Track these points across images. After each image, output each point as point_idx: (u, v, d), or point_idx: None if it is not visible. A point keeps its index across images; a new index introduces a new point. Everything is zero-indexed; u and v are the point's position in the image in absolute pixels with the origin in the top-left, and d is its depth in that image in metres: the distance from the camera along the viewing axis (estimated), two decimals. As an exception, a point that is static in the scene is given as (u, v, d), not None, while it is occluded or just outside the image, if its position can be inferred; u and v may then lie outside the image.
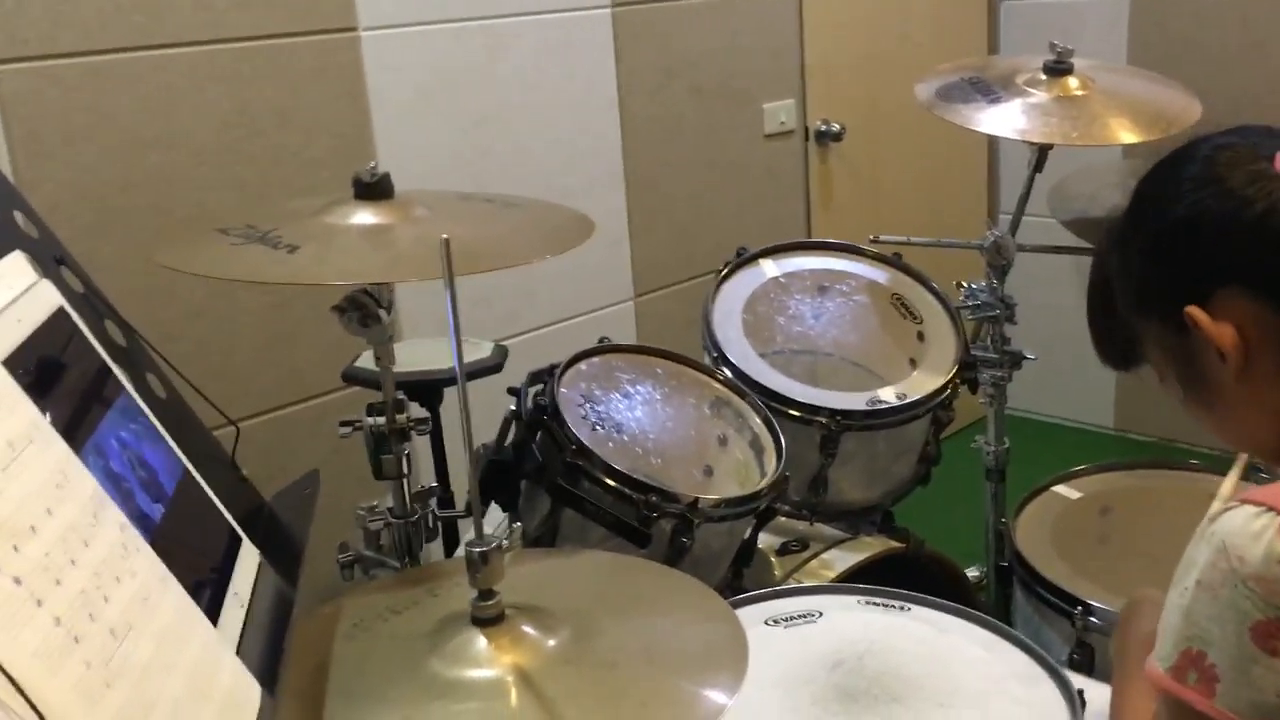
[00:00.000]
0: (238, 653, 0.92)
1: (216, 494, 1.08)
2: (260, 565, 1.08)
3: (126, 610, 0.77)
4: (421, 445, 2.02)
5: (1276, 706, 0.88)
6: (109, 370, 1.01)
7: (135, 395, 1.03)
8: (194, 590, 0.90)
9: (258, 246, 1.28)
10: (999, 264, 2.16)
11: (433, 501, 1.65)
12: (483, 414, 1.81)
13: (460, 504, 1.98)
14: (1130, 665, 1.13)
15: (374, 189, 1.40)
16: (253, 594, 1.02)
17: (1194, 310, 0.97)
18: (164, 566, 0.85)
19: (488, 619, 1.07)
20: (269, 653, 0.96)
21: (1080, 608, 1.72)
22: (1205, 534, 0.92)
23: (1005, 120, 2.04)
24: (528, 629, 1.08)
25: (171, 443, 1.04)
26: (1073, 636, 1.74)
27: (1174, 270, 1.00)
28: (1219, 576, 0.89)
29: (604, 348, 1.81)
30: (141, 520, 0.90)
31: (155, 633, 0.78)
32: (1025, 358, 2.24)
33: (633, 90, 2.73)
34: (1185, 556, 0.94)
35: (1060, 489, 2.05)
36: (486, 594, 1.07)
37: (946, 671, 1.41)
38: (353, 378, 1.90)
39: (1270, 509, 0.89)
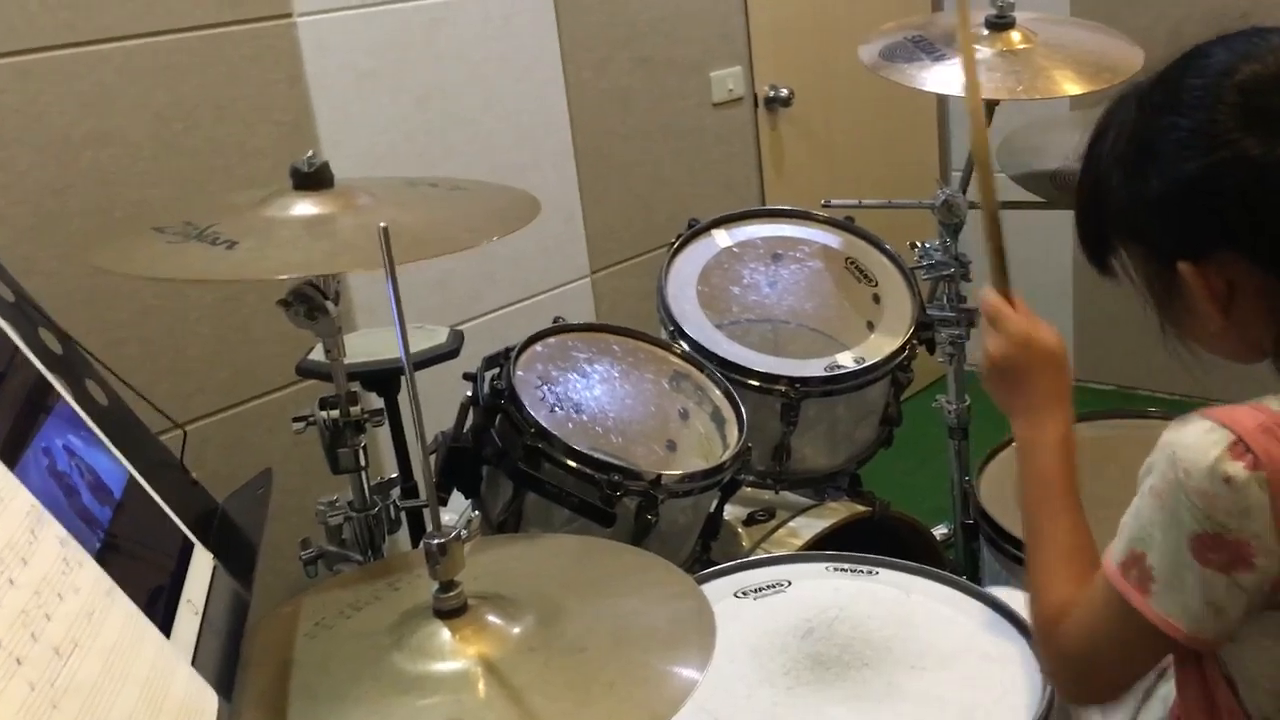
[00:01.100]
0: (194, 662, 0.90)
1: (165, 500, 1.06)
2: (214, 570, 1.06)
3: (71, 627, 0.75)
4: (382, 436, 2.00)
5: (1202, 612, 0.94)
6: (45, 380, 0.98)
7: (74, 404, 1.00)
8: (145, 601, 0.88)
9: (195, 244, 1.26)
10: (951, 222, 2.16)
11: (394, 493, 1.63)
12: (442, 400, 1.80)
13: (424, 493, 1.96)
14: (1051, 502, 1.12)
15: (313, 179, 1.37)
16: (207, 600, 1.00)
17: (1187, 270, 0.96)
18: (109, 579, 0.83)
19: (450, 610, 1.06)
20: (226, 659, 0.94)
21: (1046, 561, 1.72)
22: (1164, 441, 0.95)
23: (950, 78, 2.02)
24: (492, 618, 1.07)
25: (115, 451, 1.02)
26: (1040, 590, 1.75)
27: (1181, 226, 0.97)
28: (1166, 486, 0.93)
29: (559, 328, 1.80)
30: (85, 532, 0.87)
31: (102, 649, 0.76)
32: (982, 314, 2.24)
33: (577, 63, 2.70)
34: (1147, 460, 0.97)
35: (1022, 443, 2.05)
36: (448, 585, 1.06)
37: (916, 633, 1.42)
38: (307, 371, 1.88)
39: (1223, 425, 0.91)
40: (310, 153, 1.40)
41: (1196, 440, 0.92)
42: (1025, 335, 1.17)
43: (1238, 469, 0.89)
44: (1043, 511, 1.13)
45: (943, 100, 3.73)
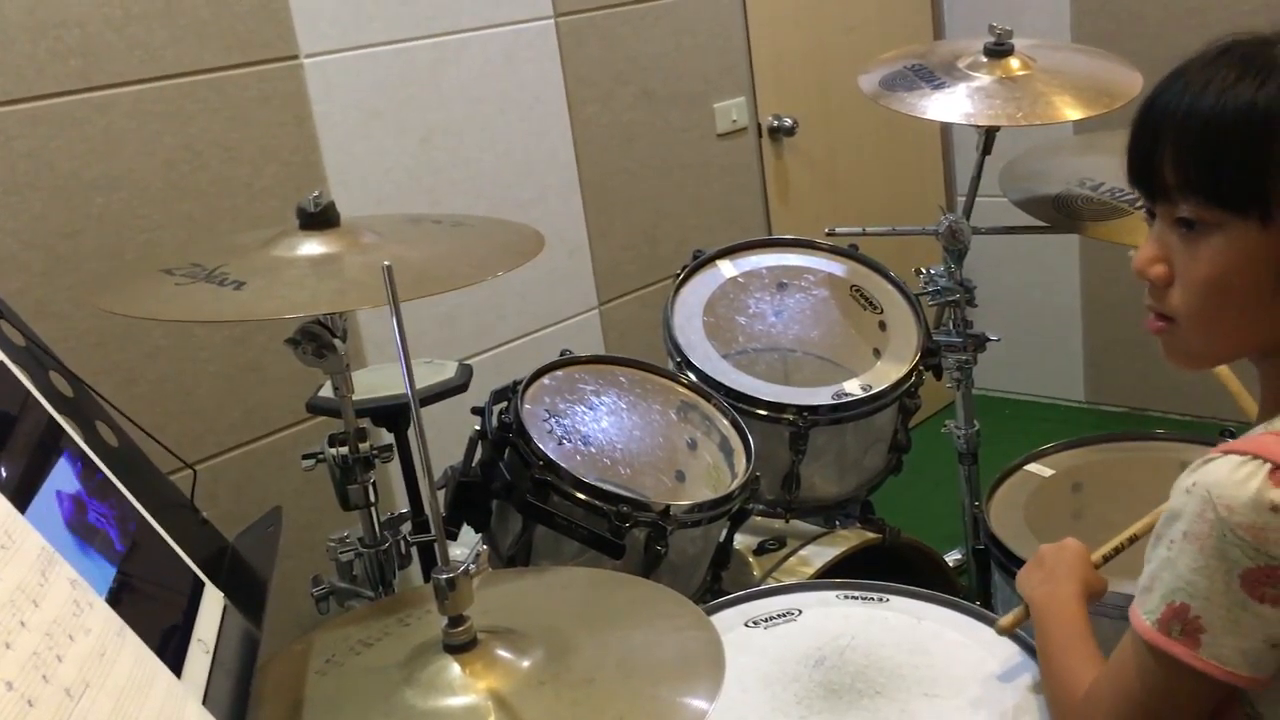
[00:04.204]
0: (205, 701, 0.91)
1: (176, 539, 1.06)
2: (225, 609, 1.06)
3: (82, 668, 0.76)
4: (393, 471, 2.01)
5: (1264, 651, 0.91)
6: (56, 423, 1.00)
7: (85, 446, 1.01)
8: (156, 641, 0.88)
9: (203, 285, 1.27)
10: (955, 248, 2.17)
11: (404, 528, 1.64)
12: (451, 434, 1.81)
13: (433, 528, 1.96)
14: (1064, 628, 1.16)
15: (319, 218, 1.39)
16: (218, 639, 1.00)
17: None
18: (120, 620, 0.83)
19: (460, 645, 1.06)
20: (237, 698, 0.95)
21: (1058, 585, 1.72)
22: (1186, 486, 0.92)
23: (950, 105, 2.04)
24: (502, 652, 1.08)
25: (125, 491, 1.03)
26: (1053, 614, 1.74)
27: None
28: (1206, 527, 0.90)
29: (566, 360, 1.81)
30: (96, 573, 0.88)
31: (113, 689, 0.77)
32: (989, 339, 2.25)
33: (582, 98, 2.72)
34: (1167, 509, 0.95)
35: (1031, 468, 2.05)
36: (457, 620, 1.06)
37: (928, 660, 1.41)
38: (317, 408, 1.89)
39: (1254, 456, 0.90)
40: (316, 192, 1.41)
41: (1230, 475, 0.89)
42: (1059, 543, 1.30)
43: None
44: (1063, 638, 1.16)
45: (946, 126, 3.75)
